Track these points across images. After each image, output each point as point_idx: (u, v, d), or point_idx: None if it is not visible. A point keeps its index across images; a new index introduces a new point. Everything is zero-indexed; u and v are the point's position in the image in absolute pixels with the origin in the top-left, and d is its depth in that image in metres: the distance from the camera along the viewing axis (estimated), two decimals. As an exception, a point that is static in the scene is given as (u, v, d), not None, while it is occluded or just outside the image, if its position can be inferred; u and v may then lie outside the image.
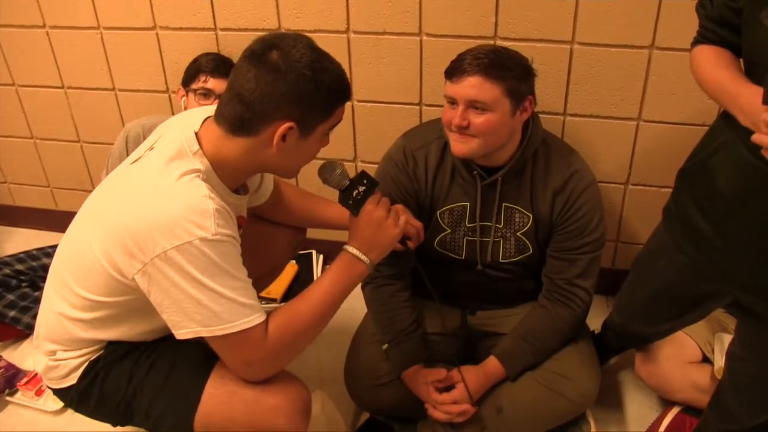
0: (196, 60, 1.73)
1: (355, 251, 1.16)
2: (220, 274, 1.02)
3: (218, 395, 1.14)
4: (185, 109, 1.73)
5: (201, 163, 1.06)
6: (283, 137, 1.04)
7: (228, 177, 1.11)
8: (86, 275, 1.11)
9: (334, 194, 1.22)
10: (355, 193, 1.18)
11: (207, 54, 1.75)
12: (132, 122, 1.77)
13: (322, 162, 1.20)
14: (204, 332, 1.04)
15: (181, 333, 1.05)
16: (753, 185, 0.99)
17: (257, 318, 1.06)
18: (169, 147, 1.07)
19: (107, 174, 1.74)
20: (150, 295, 1.04)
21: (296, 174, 1.17)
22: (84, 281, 1.11)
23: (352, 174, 1.21)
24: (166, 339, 1.21)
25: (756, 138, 0.87)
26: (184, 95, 1.73)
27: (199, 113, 1.14)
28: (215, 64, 1.70)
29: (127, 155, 1.72)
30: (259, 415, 1.13)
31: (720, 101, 1.02)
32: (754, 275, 1.07)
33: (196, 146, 1.07)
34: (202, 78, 1.68)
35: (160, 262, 1.00)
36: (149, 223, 1.00)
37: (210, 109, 1.14)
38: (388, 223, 1.17)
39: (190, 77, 1.72)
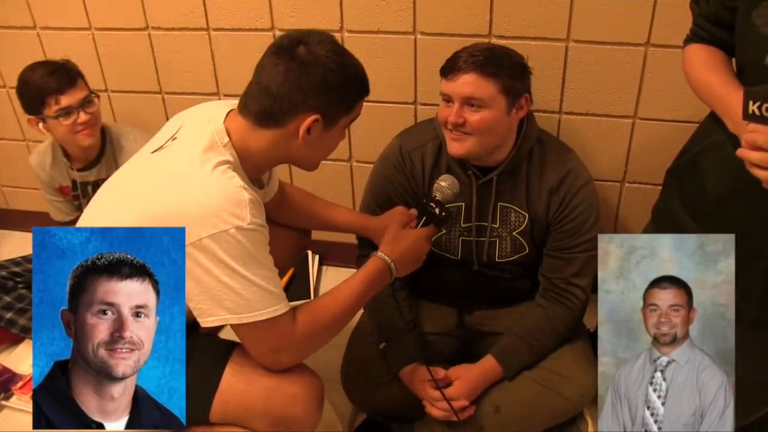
0: (29, 84, 1.60)
1: (392, 265, 1.21)
2: (253, 262, 1.03)
3: (237, 383, 1.16)
4: (53, 135, 1.67)
5: (231, 155, 1.08)
6: (308, 130, 1.07)
7: (251, 169, 1.13)
8: None
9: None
10: (437, 210, 1.27)
11: (34, 72, 1.60)
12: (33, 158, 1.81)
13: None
14: (233, 320, 1.05)
15: (208, 321, 1.06)
16: (740, 186, 0.98)
17: (284, 307, 1.08)
18: (200, 138, 1.08)
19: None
20: None
21: (316, 167, 1.20)
22: None
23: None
24: None
25: (740, 153, 0.86)
26: (40, 122, 1.63)
27: (219, 106, 1.16)
28: (55, 78, 1.59)
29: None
30: (278, 403, 1.15)
31: (710, 104, 1.01)
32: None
33: (227, 138, 1.09)
34: (52, 100, 1.59)
35: (194, 250, 1.00)
36: (183, 211, 1.01)
37: (230, 102, 1.17)
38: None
39: (37, 105, 1.60)
